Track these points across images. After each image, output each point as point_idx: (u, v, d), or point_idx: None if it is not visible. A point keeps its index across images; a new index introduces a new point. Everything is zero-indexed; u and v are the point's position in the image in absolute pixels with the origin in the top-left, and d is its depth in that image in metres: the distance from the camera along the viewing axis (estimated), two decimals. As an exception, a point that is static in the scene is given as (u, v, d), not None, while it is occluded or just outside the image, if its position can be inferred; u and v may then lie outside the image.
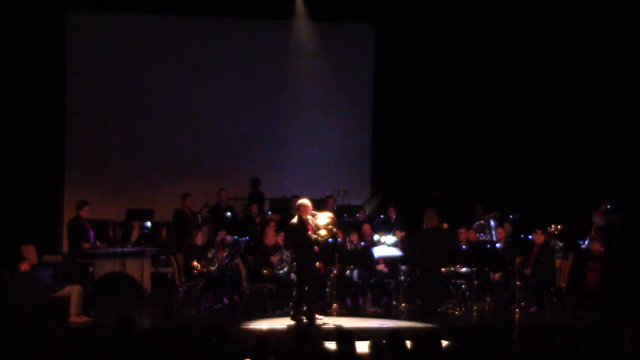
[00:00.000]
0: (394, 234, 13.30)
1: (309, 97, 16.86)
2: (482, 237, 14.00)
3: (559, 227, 13.28)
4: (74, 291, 11.01)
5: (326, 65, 16.75)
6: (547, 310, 12.17)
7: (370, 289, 12.68)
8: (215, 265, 12.61)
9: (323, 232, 11.35)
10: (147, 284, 12.74)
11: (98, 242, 12.23)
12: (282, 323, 10.96)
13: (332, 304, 12.15)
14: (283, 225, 12.92)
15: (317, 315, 11.16)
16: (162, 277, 13.14)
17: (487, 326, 11.40)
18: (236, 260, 12.55)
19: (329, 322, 11.07)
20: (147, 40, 16.39)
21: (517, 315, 11.92)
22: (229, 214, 14.61)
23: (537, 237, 12.63)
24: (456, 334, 7.29)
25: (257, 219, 14.37)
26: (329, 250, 12.30)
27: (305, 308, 11.17)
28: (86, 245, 11.88)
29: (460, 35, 16.03)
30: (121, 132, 16.29)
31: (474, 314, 12.05)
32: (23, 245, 13.03)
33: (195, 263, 12.35)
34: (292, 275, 12.12)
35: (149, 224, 14.23)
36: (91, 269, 11.70)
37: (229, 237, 13.26)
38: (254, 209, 14.54)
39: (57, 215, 15.48)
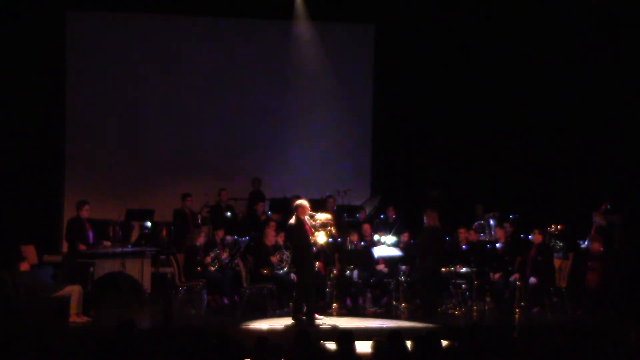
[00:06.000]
0: (394, 234, 13.28)
1: (308, 97, 16.86)
2: (482, 237, 14.01)
3: (559, 227, 13.28)
4: (74, 291, 11.00)
5: (326, 65, 16.76)
6: (547, 310, 12.17)
7: (370, 289, 12.68)
8: (216, 265, 12.62)
9: (321, 236, 11.32)
10: (147, 284, 12.75)
11: (105, 242, 12.26)
12: (282, 323, 10.95)
13: (332, 304, 12.16)
14: (283, 225, 12.93)
15: (317, 315, 11.15)
16: (162, 277, 13.14)
17: (487, 326, 11.39)
18: (236, 260, 12.55)
19: (329, 322, 11.07)
20: (147, 40, 16.40)
21: (517, 315, 11.92)
22: (229, 214, 14.62)
23: (535, 237, 12.64)
24: (456, 334, 7.28)
25: (262, 218, 14.36)
26: (330, 250, 12.31)
27: (305, 308, 11.17)
28: (82, 247, 11.88)
29: (460, 35, 16.04)
30: (121, 132, 16.31)
31: (474, 314, 12.05)
32: (23, 245, 13.01)
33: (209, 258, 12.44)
34: (292, 275, 12.12)
35: (149, 224, 14.23)
36: (91, 269, 11.71)
37: (229, 237, 13.27)
38: (260, 207, 14.57)
39: (57, 215, 15.48)
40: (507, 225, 13.88)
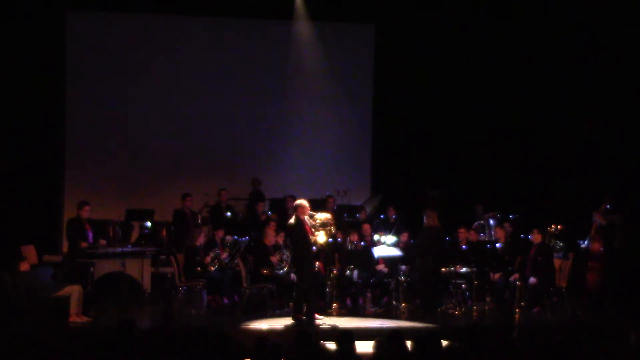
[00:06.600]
0: (394, 234, 13.28)
1: (308, 97, 16.86)
2: (482, 237, 14.02)
3: (558, 227, 13.28)
4: (74, 291, 11.00)
5: (326, 65, 16.75)
6: (547, 310, 12.17)
7: (370, 289, 12.68)
8: (216, 265, 12.62)
9: (321, 235, 11.32)
10: (147, 284, 12.75)
11: (102, 241, 12.25)
12: (282, 323, 10.95)
13: (332, 304, 12.15)
14: (282, 225, 12.94)
15: (317, 315, 11.15)
16: (162, 277, 13.14)
17: (487, 326, 11.39)
18: (236, 260, 12.55)
19: (329, 322, 11.07)
20: (147, 40, 16.40)
21: (517, 315, 11.92)
22: (229, 214, 14.62)
23: (534, 237, 12.64)
24: (456, 334, 7.29)
25: (262, 218, 14.37)
26: (329, 250, 12.31)
27: (305, 308, 11.17)
28: (83, 244, 11.88)
29: (460, 35, 16.04)
30: (121, 132, 16.29)
31: (474, 314, 12.05)
32: (23, 245, 13.03)
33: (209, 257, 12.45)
34: (292, 275, 12.13)
35: (149, 224, 14.22)
36: (91, 269, 11.71)
37: (229, 237, 13.27)
38: (260, 207, 14.58)
39: (57, 215, 15.48)
40: (507, 225, 13.89)
